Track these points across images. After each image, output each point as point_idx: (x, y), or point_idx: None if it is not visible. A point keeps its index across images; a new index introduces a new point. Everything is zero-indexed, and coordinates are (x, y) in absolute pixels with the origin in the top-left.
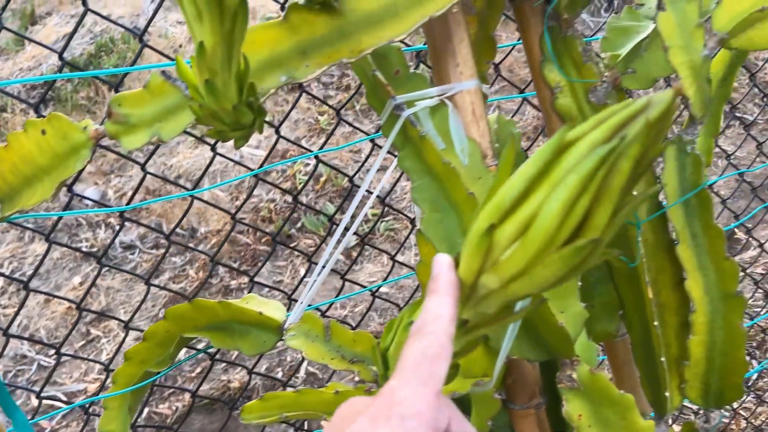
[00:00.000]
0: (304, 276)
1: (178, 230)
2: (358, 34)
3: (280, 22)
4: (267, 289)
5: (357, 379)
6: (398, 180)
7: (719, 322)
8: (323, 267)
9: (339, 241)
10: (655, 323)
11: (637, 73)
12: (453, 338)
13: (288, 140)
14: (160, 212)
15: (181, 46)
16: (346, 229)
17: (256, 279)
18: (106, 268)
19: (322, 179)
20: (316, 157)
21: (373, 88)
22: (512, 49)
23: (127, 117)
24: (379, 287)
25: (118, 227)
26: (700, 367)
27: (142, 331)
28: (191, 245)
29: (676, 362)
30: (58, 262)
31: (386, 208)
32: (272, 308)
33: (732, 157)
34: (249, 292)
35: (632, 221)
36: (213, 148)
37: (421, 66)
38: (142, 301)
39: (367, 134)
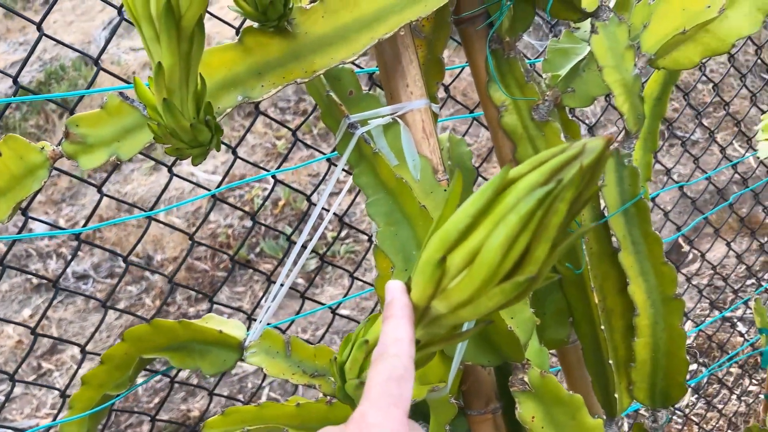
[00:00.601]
0: (262, 298)
1: (133, 258)
2: (310, 55)
3: (235, 45)
4: (227, 315)
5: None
6: (357, 201)
7: (661, 324)
8: (281, 285)
9: (298, 257)
10: (603, 328)
11: (576, 91)
12: (414, 358)
13: (245, 161)
14: (115, 240)
15: (134, 72)
16: (304, 246)
17: (215, 306)
18: (58, 299)
19: (281, 203)
20: (274, 177)
21: (327, 108)
22: (461, 71)
23: (85, 137)
24: (339, 303)
25: (70, 256)
26: (646, 368)
27: (94, 354)
28: (147, 273)
29: (624, 365)
30: (6, 295)
31: (346, 230)
32: (232, 327)
33: (676, 174)
34: None
35: (574, 230)
36: (170, 169)
37: (377, 90)
38: (97, 329)
39: (324, 154)
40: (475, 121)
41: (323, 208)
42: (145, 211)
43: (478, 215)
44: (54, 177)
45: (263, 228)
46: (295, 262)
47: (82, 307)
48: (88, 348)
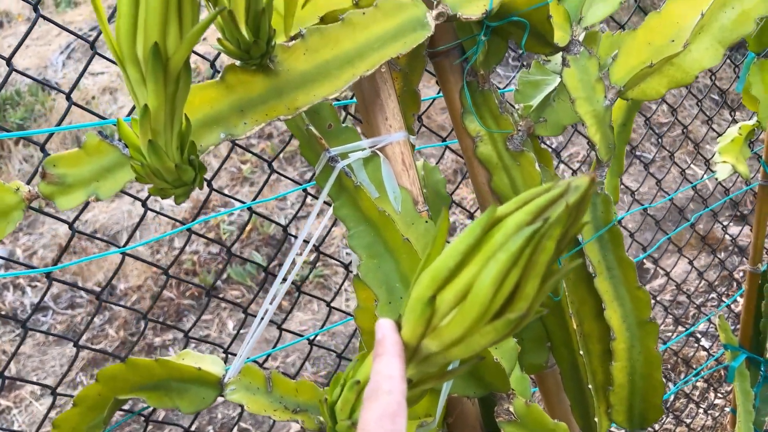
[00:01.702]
0: (238, 329)
1: (94, 287)
2: (293, 92)
3: (217, 83)
4: (194, 345)
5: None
6: (325, 224)
7: (637, 347)
8: (262, 318)
9: (281, 285)
10: (581, 352)
11: (548, 121)
12: (406, 395)
13: (217, 191)
14: (75, 270)
15: (93, 97)
16: (284, 279)
17: (180, 334)
18: (15, 332)
19: (248, 228)
20: (250, 209)
21: (307, 141)
22: (432, 102)
23: (63, 177)
24: (316, 335)
25: (28, 288)
26: (623, 391)
27: (63, 396)
28: (111, 302)
29: (602, 388)
30: None
31: (314, 254)
32: (210, 363)
33: (636, 193)
34: (176, 348)
35: None
36: (144, 203)
37: (348, 118)
38: (68, 369)
39: (294, 181)
40: (433, 139)
41: (304, 240)
42: (117, 247)
43: (467, 253)
44: None
45: (226, 252)
46: (274, 296)
47: (42, 339)
48: (49, 383)
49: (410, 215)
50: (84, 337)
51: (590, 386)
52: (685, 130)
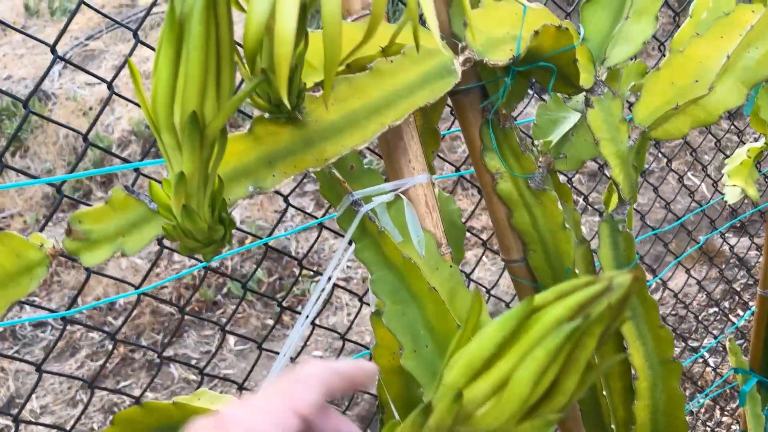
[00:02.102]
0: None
1: (92, 302)
2: (321, 143)
3: (245, 135)
4: (195, 360)
5: None
6: (325, 236)
7: (660, 386)
8: (284, 355)
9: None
10: (603, 391)
11: (567, 157)
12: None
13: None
14: (74, 284)
15: (91, 108)
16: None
17: (182, 350)
18: (14, 348)
19: (247, 241)
20: (266, 245)
21: (328, 183)
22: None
23: (89, 233)
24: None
25: (26, 305)
26: (645, 430)
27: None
28: (110, 318)
29: (624, 427)
30: None
31: (317, 267)
32: (226, 403)
33: (635, 204)
34: (176, 366)
35: None
36: (160, 242)
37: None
38: (84, 409)
39: (289, 204)
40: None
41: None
42: (134, 287)
43: (502, 344)
44: (6, 219)
45: (229, 267)
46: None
47: (40, 356)
48: (49, 404)
49: (434, 259)
50: (83, 354)
51: (612, 425)
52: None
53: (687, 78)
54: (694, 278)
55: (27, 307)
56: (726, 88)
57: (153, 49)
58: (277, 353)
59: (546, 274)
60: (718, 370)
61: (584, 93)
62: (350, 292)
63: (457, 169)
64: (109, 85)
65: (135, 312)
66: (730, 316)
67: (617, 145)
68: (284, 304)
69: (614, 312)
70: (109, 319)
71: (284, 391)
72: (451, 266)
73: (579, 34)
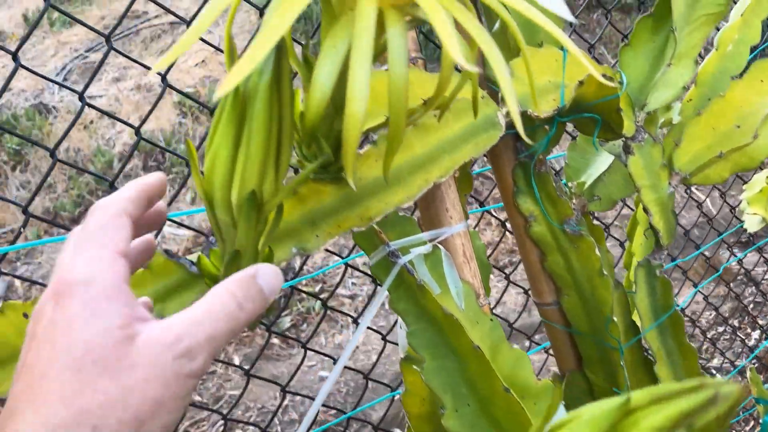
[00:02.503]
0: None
1: None
2: (365, 200)
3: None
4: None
5: None
6: (328, 255)
7: None
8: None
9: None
10: None
11: (601, 198)
12: (127, 208)
13: None
14: None
15: (92, 122)
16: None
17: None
18: None
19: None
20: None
21: (363, 231)
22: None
23: None
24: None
25: None
26: None
27: None
28: None
29: None
30: None
31: (320, 285)
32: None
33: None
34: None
35: (615, 346)
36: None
37: None
38: None
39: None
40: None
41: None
42: None
43: None
44: (6, 235)
45: None
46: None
47: None
48: None
49: (474, 312)
50: None
51: None
52: None
53: (728, 123)
54: (701, 293)
55: None
56: (767, 134)
57: (145, 66)
58: (277, 377)
59: (581, 320)
60: None
61: (623, 140)
62: (349, 315)
63: (482, 204)
64: (80, 96)
65: None
66: (739, 334)
67: (658, 192)
68: (289, 322)
69: (720, 422)
70: None
71: (95, 240)
72: (491, 319)
73: (621, 81)
